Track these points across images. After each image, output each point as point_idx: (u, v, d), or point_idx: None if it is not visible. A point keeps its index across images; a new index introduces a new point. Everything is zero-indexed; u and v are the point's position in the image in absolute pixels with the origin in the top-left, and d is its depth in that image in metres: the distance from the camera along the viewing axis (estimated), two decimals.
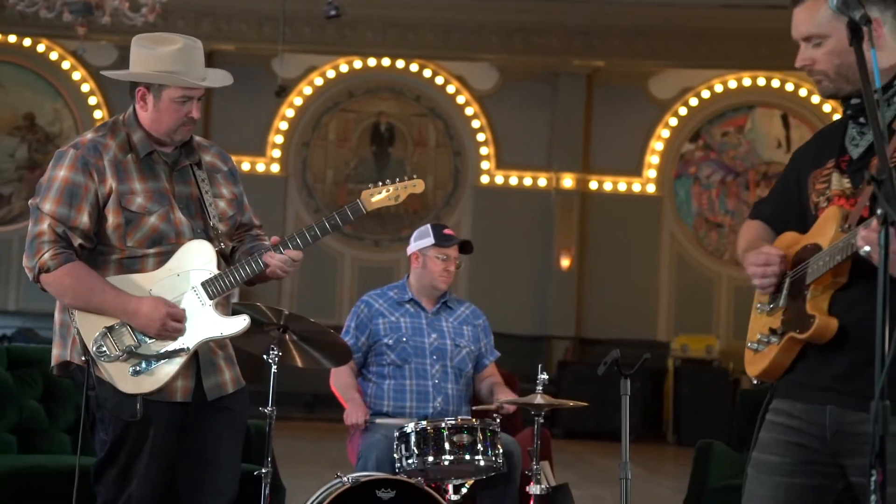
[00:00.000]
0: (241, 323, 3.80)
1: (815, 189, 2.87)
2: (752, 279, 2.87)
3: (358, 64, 15.18)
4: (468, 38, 14.48)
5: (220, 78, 3.87)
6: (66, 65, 15.00)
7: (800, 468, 2.79)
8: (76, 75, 15.00)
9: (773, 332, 2.83)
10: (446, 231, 5.32)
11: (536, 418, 4.72)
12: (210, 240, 3.80)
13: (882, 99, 2.75)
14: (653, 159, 15.13)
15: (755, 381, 2.91)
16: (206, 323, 3.74)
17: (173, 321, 3.68)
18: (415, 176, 4.07)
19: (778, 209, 3.02)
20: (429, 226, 5.35)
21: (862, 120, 2.81)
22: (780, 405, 2.85)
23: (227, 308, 3.88)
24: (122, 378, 3.67)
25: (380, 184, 3.98)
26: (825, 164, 2.87)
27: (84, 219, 3.69)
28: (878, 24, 2.73)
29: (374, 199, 3.95)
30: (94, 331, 3.68)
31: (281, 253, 3.79)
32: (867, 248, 2.51)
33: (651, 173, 15.13)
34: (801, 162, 2.98)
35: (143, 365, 3.69)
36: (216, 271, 3.77)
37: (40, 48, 14.94)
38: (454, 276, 5.31)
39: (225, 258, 3.89)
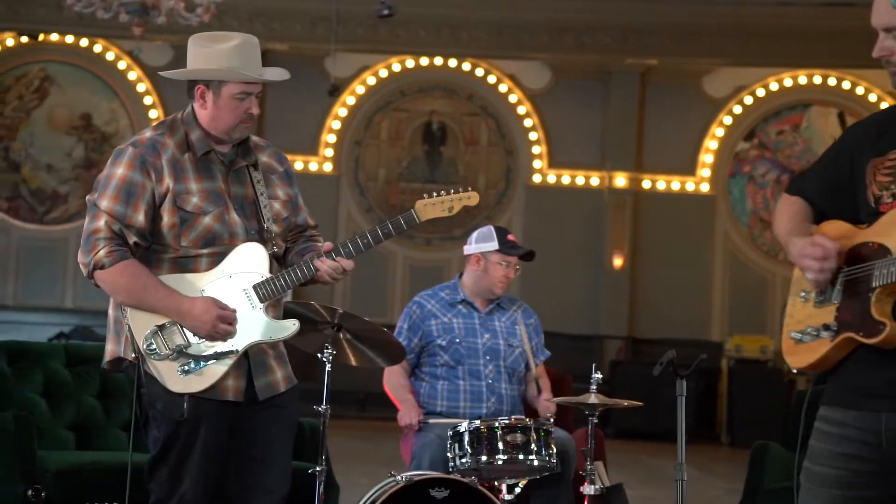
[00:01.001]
0: (290, 327, 3.81)
1: (877, 180, 2.73)
2: (807, 272, 2.74)
3: (410, 63, 15.20)
4: (520, 37, 14.45)
5: (277, 73, 3.89)
6: (122, 65, 15.16)
7: (857, 480, 2.69)
8: (132, 75, 15.15)
9: (825, 327, 2.72)
10: (510, 237, 5.26)
11: (590, 418, 4.70)
12: (263, 242, 3.81)
13: None
14: (707, 158, 15.03)
15: (794, 371, 2.82)
16: (257, 326, 3.75)
17: (224, 323, 3.69)
18: (469, 188, 4.03)
19: (825, 189, 2.87)
20: (492, 228, 5.28)
21: None
22: (830, 413, 2.75)
23: (279, 310, 3.89)
24: (171, 377, 3.69)
25: (434, 195, 3.95)
26: (888, 154, 2.73)
27: (140, 217, 3.71)
28: None
29: (427, 210, 3.93)
30: (146, 328, 3.70)
31: (333, 259, 3.79)
32: None
33: (705, 172, 15.02)
34: (858, 143, 2.82)
35: (192, 365, 3.70)
36: (268, 274, 3.78)
37: (97, 48, 15.10)
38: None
39: (278, 260, 3.90)
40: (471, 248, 5.29)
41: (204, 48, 3.79)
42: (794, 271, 2.87)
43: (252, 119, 3.81)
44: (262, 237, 3.82)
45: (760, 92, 14.97)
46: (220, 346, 3.72)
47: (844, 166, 2.83)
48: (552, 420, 4.85)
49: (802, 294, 2.83)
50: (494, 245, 5.20)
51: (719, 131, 15.01)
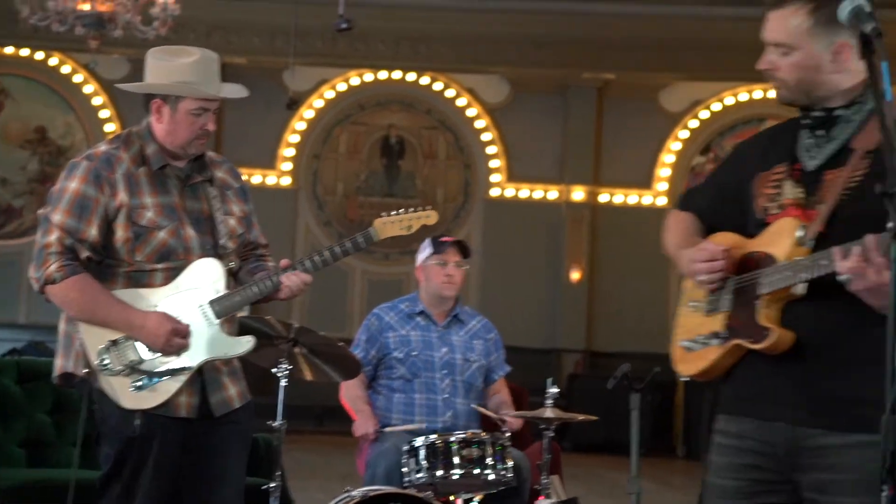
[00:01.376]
0: (246, 344, 3.79)
1: (764, 193, 2.81)
2: (696, 276, 2.81)
3: (369, 77, 15.20)
4: (479, 51, 14.49)
5: (236, 90, 3.88)
6: (78, 78, 15.05)
7: (757, 489, 2.74)
8: (88, 88, 15.05)
9: (715, 335, 2.78)
10: (443, 239, 5.33)
11: (546, 432, 4.71)
12: (219, 257, 3.80)
13: (845, 116, 2.75)
14: (663, 172, 15.11)
15: (684, 379, 2.89)
16: (212, 342, 3.73)
17: (178, 337, 3.68)
18: (429, 207, 4.06)
19: (714, 204, 2.96)
20: (428, 240, 5.35)
21: (819, 133, 2.79)
22: (728, 426, 2.81)
23: (234, 326, 3.87)
24: (124, 393, 3.67)
25: (393, 213, 3.98)
26: (773, 168, 2.82)
27: (93, 232, 3.69)
28: (847, 48, 2.72)
29: (386, 228, 3.95)
30: (99, 343, 3.68)
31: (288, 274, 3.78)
32: (847, 277, 2.48)
33: (662, 186, 15.10)
34: (746, 159, 2.92)
35: (145, 380, 3.68)
36: (224, 290, 3.76)
37: (52, 61, 14.99)
38: (461, 284, 5.29)
39: (233, 276, 3.88)
40: (416, 263, 5.35)
41: (162, 62, 3.77)
42: (685, 283, 2.94)
43: (208, 135, 3.80)
44: (217, 253, 3.80)
45: (716, 106, 15.08)
46: (174, 363, 3.69)
47: (733, 181, 2.92)
48: (509, 434, 4.84)
49: (692, 304, 2.89)
50: (429, 250, 5.25)
51: (676, 145, 15.11)
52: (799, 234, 2.67)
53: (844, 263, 2.49)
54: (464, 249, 5.30)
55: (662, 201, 15.10)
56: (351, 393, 5.20)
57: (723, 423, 2.82)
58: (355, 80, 15.23)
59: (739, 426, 2.77)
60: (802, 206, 2.72)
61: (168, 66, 3.75)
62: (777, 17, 2.78)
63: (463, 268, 5.29)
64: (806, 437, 2.65)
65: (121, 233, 3.70)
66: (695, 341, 2.83)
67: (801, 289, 2.65)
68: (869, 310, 2.53)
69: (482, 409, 5.08)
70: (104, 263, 3.74)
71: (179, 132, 3.76)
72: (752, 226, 2.82)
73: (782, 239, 2.70)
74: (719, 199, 2.95)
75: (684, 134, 15.12)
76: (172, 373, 3.69)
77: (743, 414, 2.76)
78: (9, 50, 14.79)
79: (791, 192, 2.76)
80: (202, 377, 3.76)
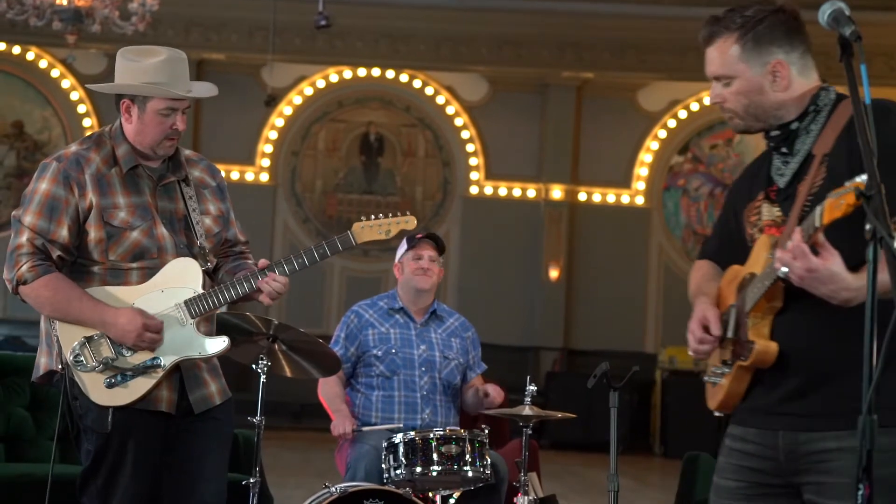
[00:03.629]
0: (220, 344, 3.79)
1: (749, 221, 2.95)
2: (689, 347, 2.93)
3: (348, 74, 15.19)
4: (459, 49, 14.50)
5: (204, 89, 3.89)
6: (55, 73, 14.98)
7: (754, 492, 2.85)
8: (66, 83, 14.98)
9: (724, 363, 2.88)
10: (417, 236, 5.34)
11: (525, 429, 4.73)
12: (194, 257, 3.80)
13: (801, 128, 2.85)
14: (641, 171, 15.16)
15: (717, 414, 2.97)
16: (185, 342, 3.74)
17: (149, 332, 3.68)
18: (407, 212, 4.10)
19: (722, 245, 3.10)
20: (405, 237, 5.37)
21: (784, 150, 2.88)
22: (735, 431, 2.92)
23: (211, 325, 3.87)
24: (97, 389, 3.68)
25: (372, 217, 4.02)
26: (756, 197, 2.95)
27: (63, 232, 3.70)
28: (782, 66, 2.84)
29: (364, 233, 3.98)
30: (73, 340, 3.68)
31: (265, 276, 3.79)
32: (784, 270, 2.57)
33: (640, 185, 15.15)
34: (736, 197, 3.07)
35: (119, 378, 3.68)
36: (201, 290, 3.77)
37: (30, 56, 14.91)
38: (437, 279, 5.29)
39: (209, 276, 3.89)
40: (395, 262, 5.38)
41: (130, 62, 3.77)
42: None
43: (177, 135, 3.79)
44: (192, 252, 3.80)
45: (694, 106, 15.14)
46: (147, 360, 3.69)
47: (731, 220, 3.05)
48: (488, 431, 4.86)
49: None
50: (405, 247, 5.28)
51: (654, 145, 15.16)
52: (771, 247, 2.76)
53: (777, 255, 2.58)
54: (438, 244, 5.32)
55: (640, 201, 15.15)
56: (328, 391, 5.21)
57: (731, 429, 2.92)
58: (334, 78, 15.22)
59: (744, 432, 2.87)
60: (778, 224, 2.83)
61: (136, 67, 3.75)
62: (711, 52, 2.91)
63: (438, 263, 5.30)
64: (806, 442, 2.74)
65: (94, 233, 3.71)
66: (713, 374, 2.92)
67: (779, 301, 2.73)
68: (844, 314, 2.59)
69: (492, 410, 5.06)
70: (79, 263, 3.74)
71: (148, 132, 3.76)
72: (748, 255, 2.91)
73: (760, 256, 2.81)
74: (724, 240, 3.08)
75: (662, 133, 15.17)
76: (145, 370, 3.69)
77: (748, 424, 2.86)
78: None
79: (768, 213, 2.88)
80: (181, 374, 3.77)
